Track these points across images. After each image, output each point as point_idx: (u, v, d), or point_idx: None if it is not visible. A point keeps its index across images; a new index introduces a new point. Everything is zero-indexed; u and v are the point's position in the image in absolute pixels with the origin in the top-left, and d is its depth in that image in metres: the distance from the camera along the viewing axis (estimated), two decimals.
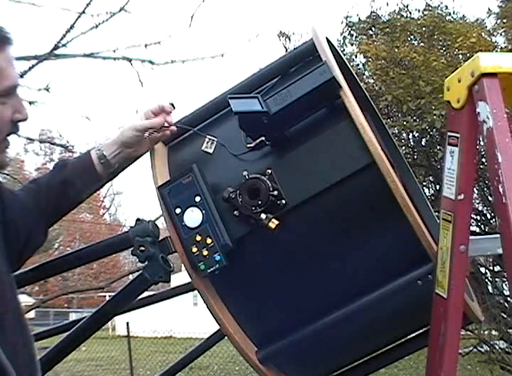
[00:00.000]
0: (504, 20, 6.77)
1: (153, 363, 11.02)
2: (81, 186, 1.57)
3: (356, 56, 6.49)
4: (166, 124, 1.61)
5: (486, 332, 5.84)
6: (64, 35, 3.38)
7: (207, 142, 1.61)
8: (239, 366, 10.30)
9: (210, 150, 1.60)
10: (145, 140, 1.60)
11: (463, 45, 5.71)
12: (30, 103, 3.38)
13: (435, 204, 2.19)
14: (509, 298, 5.74)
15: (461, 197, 1.39)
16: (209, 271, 1.48)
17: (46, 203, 1.51)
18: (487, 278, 6.06)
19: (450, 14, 6.98)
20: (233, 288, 1.58)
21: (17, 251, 1.44)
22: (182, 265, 1.55)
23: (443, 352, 1.43)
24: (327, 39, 1.62)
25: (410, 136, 6.08)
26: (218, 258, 1.47)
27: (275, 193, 1.47)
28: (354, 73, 1.92)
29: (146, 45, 3.57)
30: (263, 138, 1.50)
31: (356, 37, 6.80)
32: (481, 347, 5.99)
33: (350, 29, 6.84)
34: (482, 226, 5.94)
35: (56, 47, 3.40)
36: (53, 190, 1.53)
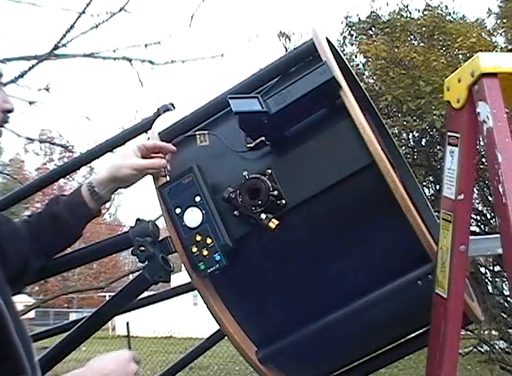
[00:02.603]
0: (504, 20, 6.77)
1: (153, 363, 11.01)
2: (74, 222, 1.56)
3: (356, 56, 6.49)
4: (168, 168, 1.57)
5: (486, 332, 5.84)
6: (64, 35, 3.39)
7: (200, 138, 1.61)
8: (239, 366, 10.30)
9: (207, 143, 1.60)
10: (140, 175, 1.58)
11: (463, 45, 5.71)
12: (30, 103, 3.39)
13: (435, 204, 2.19)
14: (509, 298, 5.74)
15: (461, 197, 1.39)
16: (209, 271, 1.48)
17: (36, 236, 1.51)
18: (487, 278, 6.06)
19: (450, 14, 6.98)
20: (233, 288, 1.57)
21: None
22: (182, 265, 1.55)
23: (443, 352, 1.43)
24: (327, 39, 1.62)
25: (410, 136, 6.08)
26: (218, 258, 1.47)
27: (275, 193, 1.47)
28: (354, 73, 1.92)
29: (146, 45, 3.58)
30: (263, 138, 1.50)
31: (356, 37, 6.80)
32: (481, 347, 5.99)
33: (350, 29, 6.84)
34: (482, 226, 5.94)
35: (56, 47, 3.41)
36: (45, 225, 1.53)
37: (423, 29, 6.41)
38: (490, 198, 5.56)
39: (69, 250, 1.70)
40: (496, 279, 6.05)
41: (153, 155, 1.59)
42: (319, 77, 1.42)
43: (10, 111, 1.36)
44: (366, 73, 6.40)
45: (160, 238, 1.57)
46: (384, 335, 1.71)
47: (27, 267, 1.49)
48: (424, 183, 5.81)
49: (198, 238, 1.48)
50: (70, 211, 1.54)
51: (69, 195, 1.60)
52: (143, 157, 1.57)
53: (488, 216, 5.96)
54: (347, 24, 6.87)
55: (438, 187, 5.74)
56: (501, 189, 1.23)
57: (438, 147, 5.67)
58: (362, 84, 2.05)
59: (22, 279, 1.50)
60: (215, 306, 1.54)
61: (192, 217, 1.49)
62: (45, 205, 1.60)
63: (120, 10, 3.45)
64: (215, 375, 10.71)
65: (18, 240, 1.47)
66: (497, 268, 5.88)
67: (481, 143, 1.34)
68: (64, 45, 3.42)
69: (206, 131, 1.60)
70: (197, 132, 1.61)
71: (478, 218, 5.97)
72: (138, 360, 1.30)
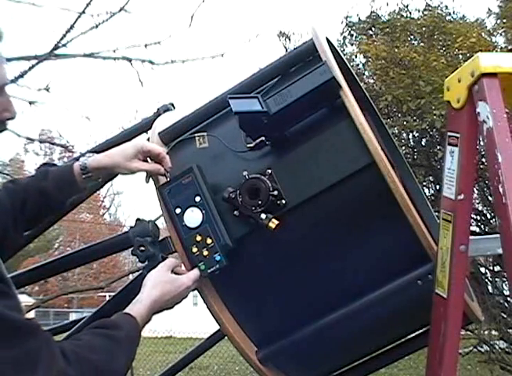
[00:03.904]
0: (504, 20, 6.76)
1: (153, 363, 11.01)
2: (61, 198, 1.56)
3: (356, 56, 6.48)
4: (162, 171, 1.57)
5: (486, 332, 5.83)
6: (64, 35, 3.39)
7: (199, 139, 1.61)
8: (239, 366, 10.29)
9: (206, 144, 1.60)
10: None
11: (463, 45, 5.70)
12: (30, 103, 3.39)
13: (435, 204, 2.19)
14: (509, 298, 5.74)
15: (461, 197, 1.39)
16: (209, 271, 1.48)
17: (21, 207, 1.50)
18: (487, 278, 6.06)
19: (450, 14, 6.98)
20: (233, 288, 1.57)
21: None
22: (182, 265, 1.55)
23: (443, 352, 1.43)
24: (327, 39, 1.62)
25: (410, 136, 6.07)
26: (218, 258, 1.47)
27: (275, 193, 1.47)
28: (354, 73, 1.92)
29: (146, 45, 3.58)
30: (263, 138, 1.50)
31: (356, 37, 6.79)
32: (481, 347, 5.98)
33: (350, 29, 6.83)
34: (482, 226, 5.94)
35: (56, 47, 3.41)
36: (31, 198, 1.51)
37: (423, 29, 6.41)
38: (490, 198, 5.56)
39: (69, 250, 1.70)
40: (496, 279, 6.04)
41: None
42: (319, 77, 1.42)
43: (10, 119, 1.36)
44: (366, 73, 6.40)
45: (160, 238, 1.57)
46: (383, 335, 1.71)
47: (6, 238, 1.47)
48: (424, 183, 5.81)
49: (198, 238, 1.48)
50: (59, 189, 1.53)
51: (59, 170, 1.58)
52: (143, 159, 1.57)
53: (488, 216, 5.95)
54: (347, 24, 6.86)
55: (438, 187, 5.74)
56: (501, 189, 1.23)
57: (438, 147, 5.67)
58: (362, 84, 2.05)
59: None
60: (215, 306, 1.54)
61: (193, 217, 1.49)
62: (32, 176, 1.58)
63: (120, 10, 3.45)
64: (215, 375, 10.70)
65: (1, 210, 1.46)
66: (497, 268, 5.87)
67: (481, 143, 1.34)
68: (64, 45, 3.42)
69: (205, 133, 1.60)
70: (196, 134, 1.61)
71: (478, 218, 5.97)
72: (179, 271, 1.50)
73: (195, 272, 1.47)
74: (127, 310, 1.31)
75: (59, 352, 1.08)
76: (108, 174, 1.64)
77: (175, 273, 1.47)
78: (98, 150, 1.91)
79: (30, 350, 1.04)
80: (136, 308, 1.32)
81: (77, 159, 1.59)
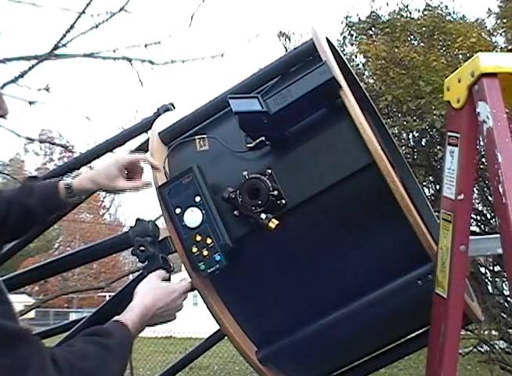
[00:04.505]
0: (504, 20, 6.75)
1: (153, 363, 11.00)
2: (45, 215, 1.58)
3: (356, 56, 6.47)
4: (144, 187, 1.58)
5: (486, 332, 5.83)
6: (64, 35, 3.38)
7: (199, 142, 1.61)
8: (239, 366, 10.29)
9: (207, 147, 1.60)
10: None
11: (463, 45, 5.70)
12: (30, 103, 3.39)
13: (435, 204, 2.19)
14: (509, 298, 5.73)
15: (461, 197, 1.39)
16: (209, 271, 1.48)
17: (3, 219, 1.50)
18: (487, 278, 6.05)
19: (450, 14, 6.97)
20: (233, 288, 1.57)
21: None
22: (182, 265, 1.55)
23: (443, 352, 1.43)
24: (327, 39, 1.62)
25: (410, 136, 6.07)
26: (218, 258, 1.47)
27: (275, 193, 1.47)
28: (354, 73, 1.92)
29: (146, 45, 3.58)
30: (263, 138, 1.50)
31: (356, 37, 6.79)
32: (481, 347, 5.98)
33: (350, 29, 6.83)
34: (482, 226, 5.93)
35: (56, 47, 3.40)
36: (13, 212, 1.52)
37: (423, 29, 6.40)
38: (490, 198, 5.56)
39: (69, 250, 1.70)
40: (496, 279, 6.04)
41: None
42: (319, 77, 1.42)
43: (2, 117, 1.35)
44: (366, 73, 6.39)
45: (160, 238, 1.57)
46: (383, 335, 1.71)
47: None
48: (424, 183, 5.80)
49: (198, 238, 1.48)
50: (43, 207, 1.54)
51: (44, 187, 1.58)
52: (127, 173, 1.57)
53: (488, 216, 5.95)
54: (347, 24, 6.86)
55: (438, 187, 5.73)
56: (501, 189, 1.23)
57: (438, 147, 5.66)
58: (362, 84, 2.05)
59: None
60: (215, 306, 1.54)
61: (192, 217, 1.49)
62: (17, 190, 1.58)
63: (120, 10, 3.45)
64: (215, 375, 10.70)
65: None
66: (497, 268, 5.87)
67: (481, 143, 1.34)
68: (64, 45, 3.41)
69: (205, 135, 1.60)
70: (196, 137, 1.61)
71: (478, 218, 5.96)
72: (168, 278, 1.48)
73: (187, 281, 1.46)
74: (119, 318, 1.29)
75: (50, 359, 1.07)
76: (91, 192, 1.65)
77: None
78: (98, 150, 1.92)
79: (20, 357, 1.03)
80: (128, 315, 1.30)
81: (62, 175, 1.60)
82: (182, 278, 1.47)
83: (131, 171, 1.58)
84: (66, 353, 1.12)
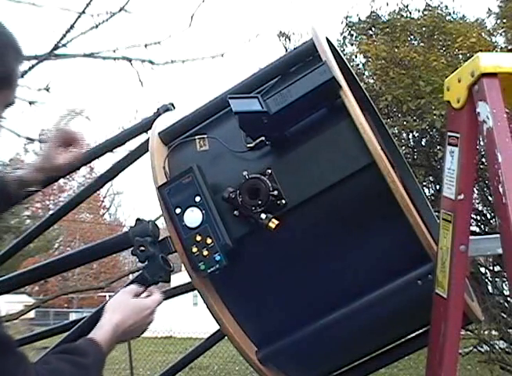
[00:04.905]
0: (504, 20, 6.76)
1: (153, 363, 11.01)
2: None
3: (356, 56, 6.48)
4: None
5: (486, 332, 5.83)
6: (64, 35, 3.38)
7: (199, 142, 1.61)
8: (239, 366, 10.29)
9: (207, 147, 1.60)
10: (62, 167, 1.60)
11: (463, 45, 5.70)
12: (30, 103, 3.38)
13: (435, 204, 2.19)
14: (509, 298, 5.74)
15: (461, 197, 1.39)
16: (209, 271, 1.48)
17: None
18: (487, 278, 6.06)
19: (450, 14, 6.98)
20: (233, 288, 1.57)
21: None
22: (182, 265, 1.55)
23: (443, 352, 1.43)
24: (327, 39, 1.62)
25: (410, 136, 6.07)
26: (218, 258, 1.47)
27: (275, 193, 1.47)
28: (354, 73, 1.92)
29: (146, 45, 3.58)
30: (263, 138, 1.50)
31: (356, 37, 6.79)
32: (481, 347, 5.98)
33: (350, 29, 6.83)
34: (482, 226, 5.93)
35: (56, 47, 3.40)
36: None
37: (423, 29, 6.41)
38: (490, 198, 5.56)
39: (69, 250, 1.70)
40: (496, 279, 6.04)
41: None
42: (319, 77, 1.42)
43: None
44: (366, 73, 6.39)
45: (160, 238, 1.57)
46: (383, 335, 1.71)
47: None
48: (424, 183, 5.80)
49: (198, 238, 1.48)
50: None
51: None
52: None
53: (488, 216, 5.95)
54: (347, 24, 6.86)
55: (438, 187, 5.73)
56: (501, 189, 1.23)
57: (438, 147, 5.67)
58: (362, 84, 2.05)
59: None
60: (215, 306, 1.54)
61: (192, 217, 1.49)
62: None
63: (120, 10, 3.45)
64: (215, 375, 10.70)
65: None
66: (497, 268, 5.87)
67: (481, 143, 1.34)
68: (64, 45, 3.41)
69: (205, 135, 1.60)
70: (196, 137, 1.61)
71: (478, 218, 5.97)
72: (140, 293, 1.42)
73: (159, 295, 1.42)
74: (91, 335, 1.27)
75: (35, 372, 1.07)
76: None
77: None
78: (98, 150, 1.92)
79: (7, 367, 1.03)
80: (100, 333, 1.28)
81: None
82: (149, 292, 1.42)
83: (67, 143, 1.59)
84: (46, 371, 1.12)
